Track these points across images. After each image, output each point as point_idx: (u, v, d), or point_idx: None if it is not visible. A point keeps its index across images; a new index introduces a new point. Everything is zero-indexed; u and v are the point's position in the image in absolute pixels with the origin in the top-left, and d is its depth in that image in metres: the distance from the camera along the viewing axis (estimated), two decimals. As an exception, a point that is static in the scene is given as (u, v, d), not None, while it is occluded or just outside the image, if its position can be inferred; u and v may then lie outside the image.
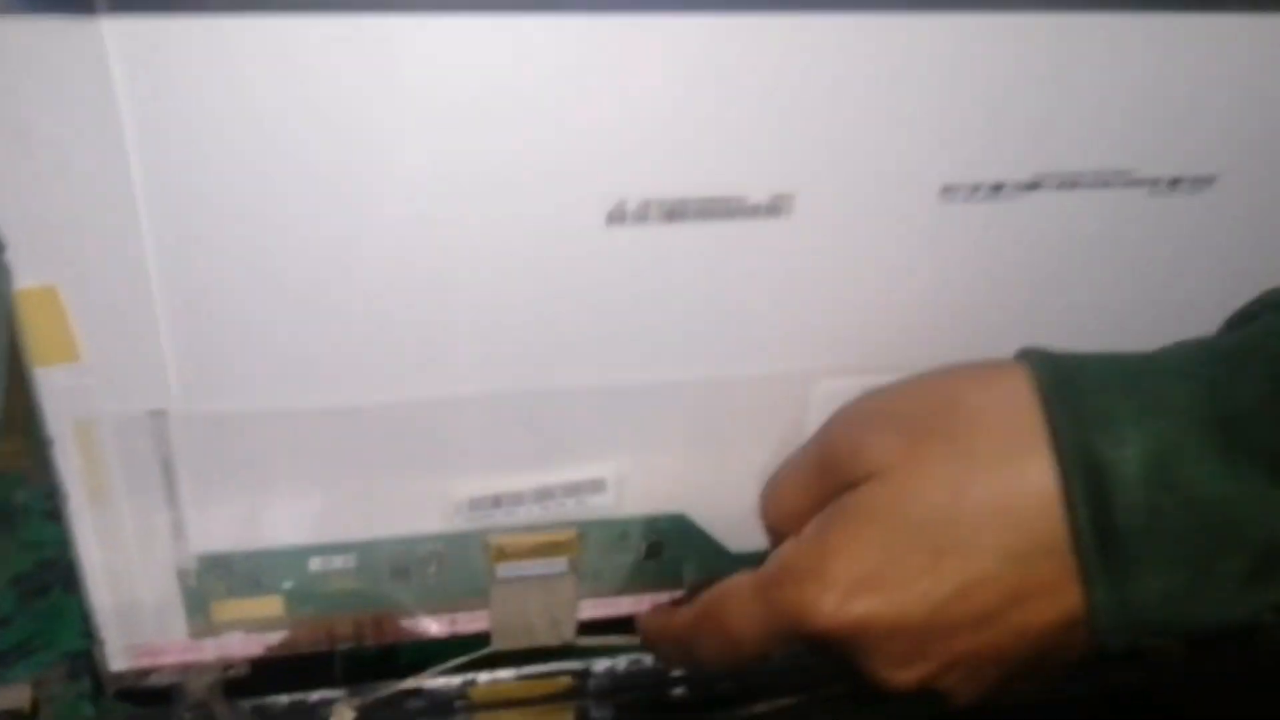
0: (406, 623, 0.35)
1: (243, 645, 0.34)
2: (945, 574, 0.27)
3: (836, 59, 0.27)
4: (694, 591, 0.34)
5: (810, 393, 0.33)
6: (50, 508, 0.30)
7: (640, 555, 0.36)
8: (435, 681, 0.37)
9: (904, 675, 0.28)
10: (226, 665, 0.35)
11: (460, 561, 0.34)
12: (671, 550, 0.36)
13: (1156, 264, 0.33)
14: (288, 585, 0.33)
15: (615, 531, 0.35)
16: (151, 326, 0.28)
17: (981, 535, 0.27)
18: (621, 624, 0.37)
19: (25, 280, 0.26)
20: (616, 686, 0.38)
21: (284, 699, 0.36)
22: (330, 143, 0.26)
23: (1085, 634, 0.27)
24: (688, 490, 0.35)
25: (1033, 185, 0.30)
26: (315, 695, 0.37)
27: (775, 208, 0.29)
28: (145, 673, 0.34)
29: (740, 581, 0.30)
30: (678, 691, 0.39)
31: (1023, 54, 0.28)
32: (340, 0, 0.24)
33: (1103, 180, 0.31)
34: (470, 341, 0.30)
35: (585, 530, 0.35)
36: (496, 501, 0.33)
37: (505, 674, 0.38)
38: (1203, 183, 0.32)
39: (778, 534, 0.32)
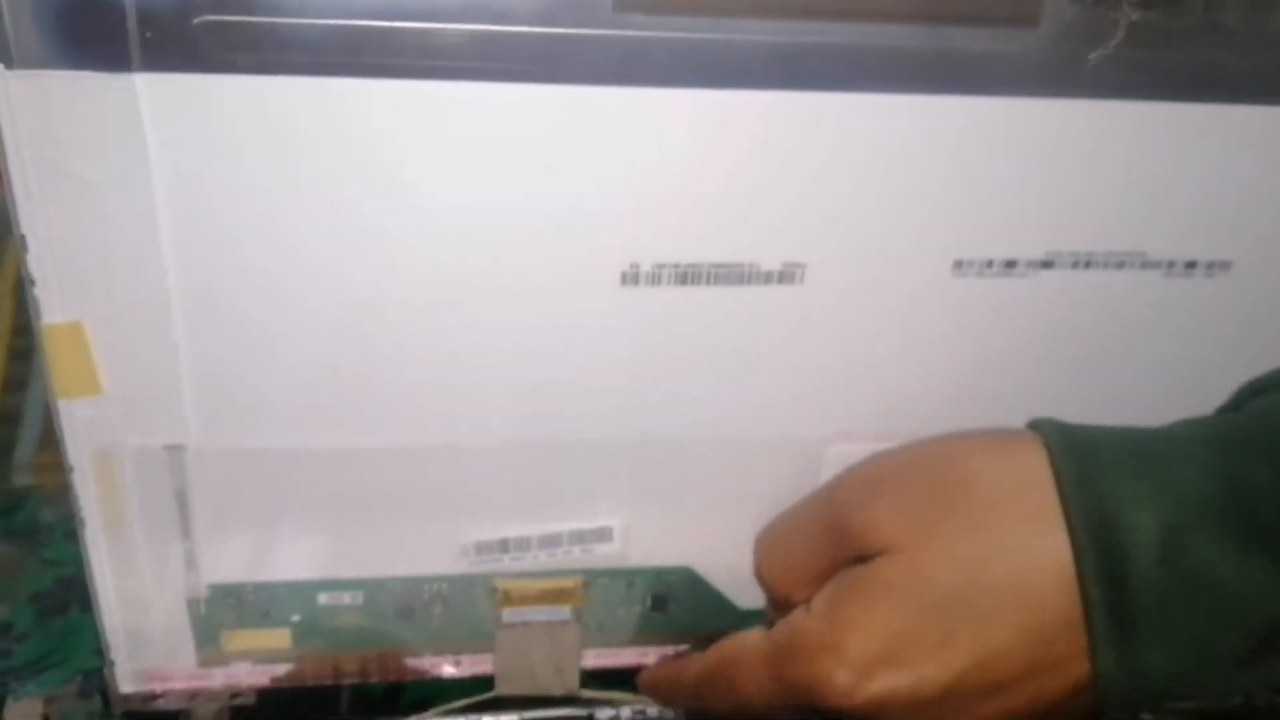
0: (411, 661, 0.36)
1: (250, 675, 0.35)
2: (962, 649, 0.27)
3: (850, 135, 0.28)
4: (699, 646, 0.35)
5: (822, 456, 0.33)
6: (72, 528, 0.31)
7: (646, 607, 0.36)
8: (439, 720, 0.38)
9: None
10: (234, 694, 0.35)
11: (466, 604, 0.35)
12: (677, 603, 0.36)
13: (1170, 345, 0.33)
14: (296, 618, 0.34)
15: (621, 582, 0.35)
16: (172, 364, 0.28)
17: (998, 611, 0.27)
18: (625, 676, 0.37)
19: (53, 315, 0.27)
20: (619, 736, 0.39)
21: (289, 729, 0.37)
22: (353, 198, 0.27)
23: (1091, 700, 0.27)
24: (695, 545, 0.35)
25: (1046, 263, 0.31)
26: (320, 727, 0.37)
27: (787, 275, 0.30)
28: (153, 696, 0.35)
29: (753, 646, 0.30)
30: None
31: (1037, 136, 0.28)
32: (368, 64, 0.25)
33: (1117, 261, 0.31)
34: (484, 391, 0.30)
35: (591, 579, 0.35)
36: (504, 546, 0.34)
37: (508, 718, 0.38)
38: (1219, 268, 0.32)
39: (778, 592, 0.32)
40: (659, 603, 0.36)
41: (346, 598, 0.34)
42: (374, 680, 0.36)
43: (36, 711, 0.34)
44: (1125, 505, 0.26)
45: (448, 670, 0.36)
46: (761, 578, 0.33)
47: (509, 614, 0.35)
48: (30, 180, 0.25)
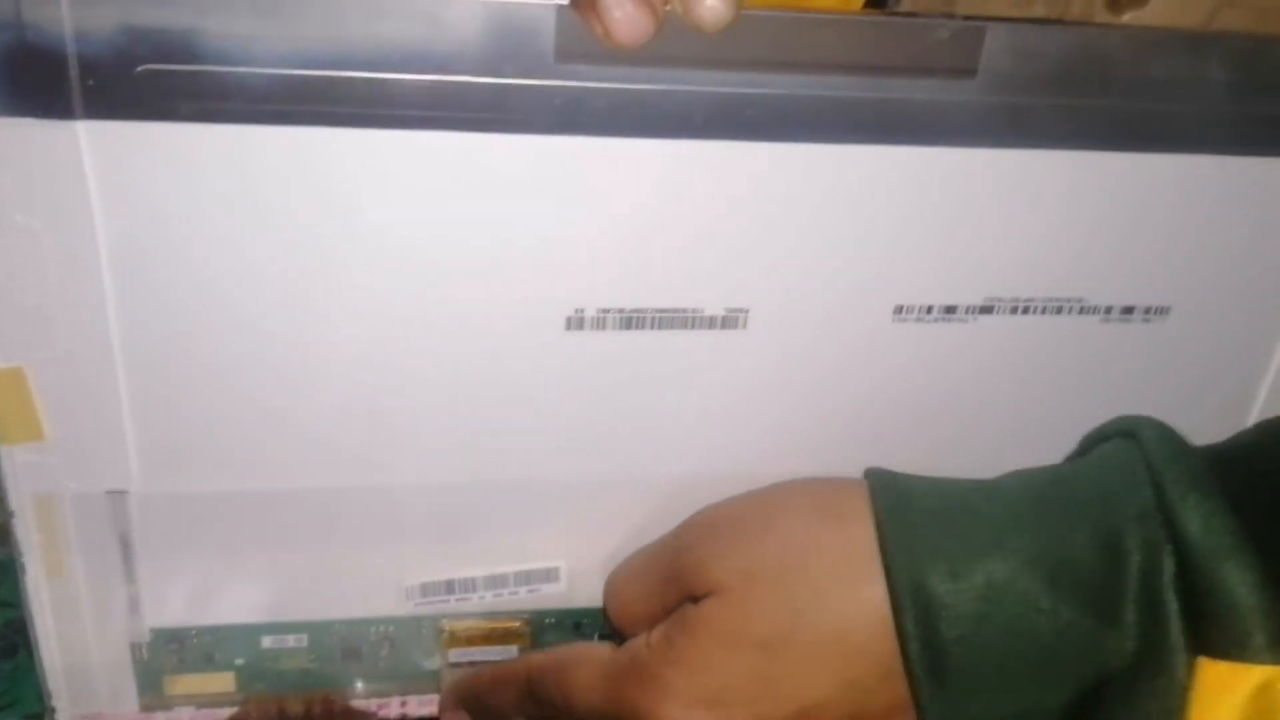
0: (357, 703, 0.36)
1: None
2: (783, 696, 0.28)
3: (792, 184, 0.28)
4: None
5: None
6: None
7: (593, 647, 0.36)
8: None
9: None
10: (176, 738, 0.35)
11: (412, 645, 0.35)
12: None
13: (1109, 390, 0.33)
14: (240, 662, 0.34)
15: (568, 623, 0.35)
16: (115, 410, 0.28)
17: (818, 660, 0.28)
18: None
19: (-6, 361, 0.27)
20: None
21: (233, 774, 0.37)
22: (295, 245, 0.27)
23: None
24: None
25: (986, 309, 0.31)
26: (265, 771, 0.37)
27: (730, 320, 0.30)
28: (94, 741, 0.35)
29: (598, 655, 0.31)
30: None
31: (976, 184, 0.29)
32: (311, 113, 0.25)
33: (1056, 306, 0.31)
34: (427, 433, 0.30)
35: (537, 619, 0.35)
36: (449, 588, 0.34)
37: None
38: (1157, 313, 0.32)
39: (624, 630, 0.32)
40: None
41: (291, 640, 0.34)
42: (320, 723, 0.36)
43: (-23, 757, 0.34)
44: (945, 557, 0.27)
45: (394, 712, 0.36)
46: (609, 615, 0.33)
47: (455, 654, 0.35)
48: (-30, 225, 0.25)
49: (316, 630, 0.34)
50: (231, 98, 0.25)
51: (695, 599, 0.29)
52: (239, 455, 0.30)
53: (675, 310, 0.30)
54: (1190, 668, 0.25)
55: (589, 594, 0.35)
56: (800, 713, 0.28)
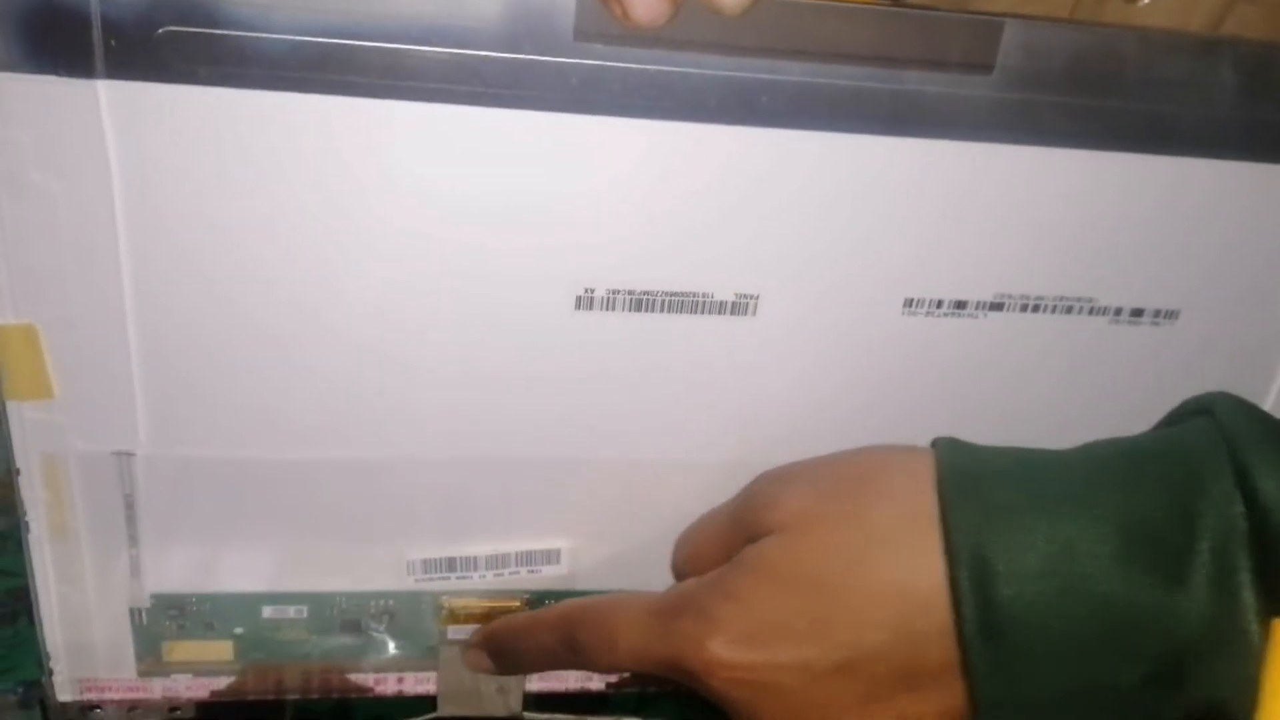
0: (355, 677, 0.36)
1: (190, 688, 0.35)
2: (834, 643, 0.27)
3: (805, 172, 0.28)
4: None
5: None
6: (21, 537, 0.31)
7: (591, 631, 0.36)
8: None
9: None
10: (173, 706, 0.35)
11: (411, 621, 0.35)
12: (623, 629, 0.36)
13: (1115, 391, 0.33)
14: (239, 631, 0.34)
15: (567, 605, 0.35)
16: (125, 371, 0.29)
17: (874, 608, 0.27)
18: (569, 700, 0.37)
19: (6, 317, 0.27)
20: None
21: (229, 744, 0.37)
22: (310, 213, 0.27)
23: None
24: (642, 569, 0.35)
25: (996, 305, 0.31)
26: (261, 743, 0.37)
27: (740, 306, 0.30)
28: (91, 707, 0.35)
29: (640, 599, 0.30)
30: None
31: (989, 180, 0.29)
32: (329, 81, 0.25)
33: (1066, 306, 0.31)
34: (435, 408, 0.31)
35: (538, 599, 0.35)
36: (451, 565, 0.34)
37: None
38: (1166, 316, 0.32)
39: (685, 577, 0.32)
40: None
41: (291, 611, 0.34)
42: (315, 696, 0.36)
43: (-26, 721, 0.34)
44: (1008, 515, 0.26)
45: (391, 688, 0.36)
46: (674, 568, 0.33)
47: (454, 631, 0.35)
48: (-11, 182, 0.26)
49: (317, 602, 0.34)
50: (251, 63, 0.25)
51: (757, 540, 0.29)
52: (246, 422, 0.30)
53: (685, 294, 0.30)
54: (1265, 631, 0.24)
55: (590, 576, 0.35)
56: (849, 661, 0.27)
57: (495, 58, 0.26)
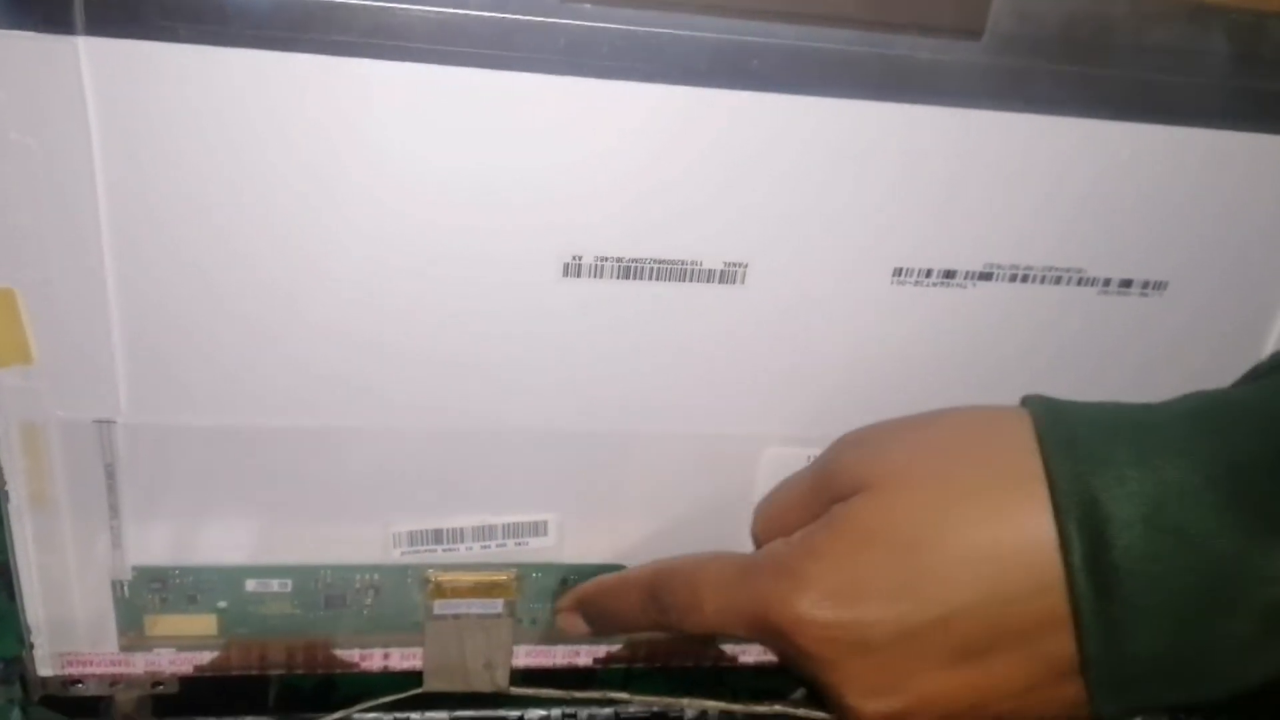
0: (339, 652, 0.35)
1: (173, 662, 0.35)
2: (925, 600, 0.26)
3: (794, 137, 0.28)
4: None
5: (758, 457, 0.34)
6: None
7: (580, 605, 0.36)
8: (367, 716, 0.37)
9: (871, 706, 0.27)
10: (155, 681, 0.35)
11: (397, 595, 0.35)
12: (610, 603, 0.36)
13: (1104, 362, 0.33)
14: (222, 604, 0.34)
15: (555, 577, 0.35)
16: (105, 337, 0.28)
17: (968, 567, 0.26)
18: (556, 676, 0.37)
19: (-15, 281, 0.27)
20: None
21: (212, 721, 0.36)
22: (292, 174, 0.27)
23: (1076, 697, 0.26)
24: (630, 542, 0.35)
25: (985, 275, 0.31)
26: (244, 720, 0.37)
27: (729, 275, 0.30)
28: (73, 681, 0.34)
29: (727, 558, 0.30)
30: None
31: (978, 148, 0.29)
32: (312, 40, 0.25)
33: (1055, 276, 0.31)
34: (420, 376, 0.30)
35: (525, 573, 0.35)
36: (437, 537, 0.34)
37: (438, 714, 0.38)
38: (1155, 287, 0.32)
39: (766, 541, 0.31)
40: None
41: (275, 585, 0.34)
42: (300, 671, 0.36)
43: (-47, 696, 0.33)
44: (1110, 464, 0.25)
45: (376, 663, 0.36)
46: (754, 534, 0.32)
47: (440, 606, 0.35)
48: (-35, 142, 0.25)
49: (301, 575, 0.34)
50: (233, 21, 0.24)
51: (845, 499, 0.28)
52: (228, 390, 0.30)
53: (674, 261, 0.29)
54: None
55: (577, 548, 0.34)
56: (942, 619, 0.26)
57: (482, 17, 0.25)
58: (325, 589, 0.34)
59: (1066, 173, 0.30)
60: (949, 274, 0.31)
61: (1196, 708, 0.27)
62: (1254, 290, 0.33)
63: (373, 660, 0.36)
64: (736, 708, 0.35)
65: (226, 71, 0.25)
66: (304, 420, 0.30)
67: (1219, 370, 0.33)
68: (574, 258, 0.29)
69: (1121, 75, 0.28)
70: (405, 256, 0.28)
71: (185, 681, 0.35)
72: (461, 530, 0.33)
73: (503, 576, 0.35)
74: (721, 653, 0.38)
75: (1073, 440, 0.26)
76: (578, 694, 0.37)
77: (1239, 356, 0.33)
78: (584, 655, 0.37)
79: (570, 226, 0.28)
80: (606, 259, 0.29)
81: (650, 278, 0.29)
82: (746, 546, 0.33)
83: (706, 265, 0.30)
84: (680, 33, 0.26)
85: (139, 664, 0.34)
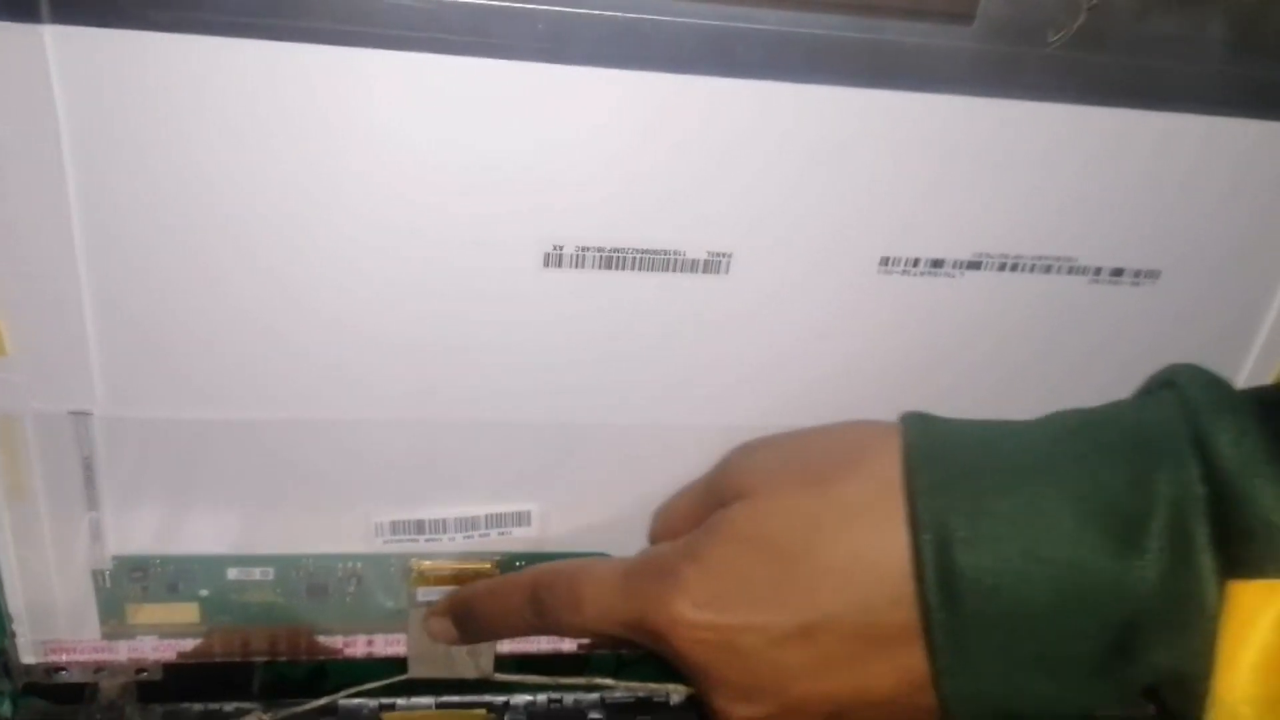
0: (323, 640, 0.35)
1: (156, 650, 0.34)
2: (791, 608, 0.27)
3: (779, 124, 0.27)
4: None
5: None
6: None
7: (563, 593, 0.36)
8: (352, 702, 0.37)
9: (739, 710, 0.28)
10: (139, 668, 0.35)
11: (380, 583, 0.34)
12: (595, 591, 0.36)
13: (1095, 352, 0.33)
14: (204, 593, 0.34)
15: (538, 567, 0.35)
16: (80, 328, 0.28)
17: (832, 577, 0.27)
18: (540, 662, 0.37)
19: (-45, 273, 0.27)
20: (534, 722, 0.38)
21: (197, 706, 0.36)
22: (266, 165, 0.26)
23: (932, 708, 0.27)
24: (612, 531, 0.35)
25: (974, 264, 0.31)
26: (230, 706, 0.36)
27: (712, 265, 0.29)
28: (56, 669, 0.34)
29: (612, 561, 0.31)
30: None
31: (968, 135, 0.28)
32: (287, 28, 0.24)
33: (1045, 265, 0.31)
34: (399, 367, 0.30)
35: (508, 562, 0.35)
36: (419, 527, 0.33)
37: (424, 700, 0.38)
38: (1147, 276, 0.32)
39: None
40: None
41: (257, 573, 0.33)
42: (284, 659, 0.35)
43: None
44: (969, 480, 0.26)
45: (359, 651, 0.36)
46: (651, 537, 0.33)
47: (424, 594, 0.34)
48: (-68, 133, 0.25)
49: (283, 564, 0.33)
50: (205, 8, 0.24)
51: (725, 507, 0.29)
52: (204, 381, 0.29)
53: (657, 251, 0.29)
54: (1221, 594, 0.24)
55: (559, 538, 0.34)
56: (805, 626, 0.27)
57: (460, 3, 0.25)
58: (307, 578, 0.34)
59: (1057, 160, 0.29)
60: (937, 263, 0.30)
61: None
62: (1247, 279, 0.32)
63: (356, 647, 0.36)
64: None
65: (199, 60, 0.24)
66: (285, 411, 0.30)
67: (1211, 360, 0.33)
68: (555, 248, 0.28)
69: (1114, 61, 0.28)
70: (384, 248, 0.28)
71: (169, 668, 0.35)
72: (444, 521, 0.33)
73: (485, 565, 0.34)
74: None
75: (934, 458, 0.27)
76: (562, 679, 0.37)
77: (1232, 346, 0.33)
78: (567, 643, 0.37)
79: (551, 216, 0.28)
80: (588, 249, 0.29)
81: (632, 268, 0.29)
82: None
83: (690, 255, 0.29)
84: (663, 19, 0.26)
85: (122, 651, 0.34)
